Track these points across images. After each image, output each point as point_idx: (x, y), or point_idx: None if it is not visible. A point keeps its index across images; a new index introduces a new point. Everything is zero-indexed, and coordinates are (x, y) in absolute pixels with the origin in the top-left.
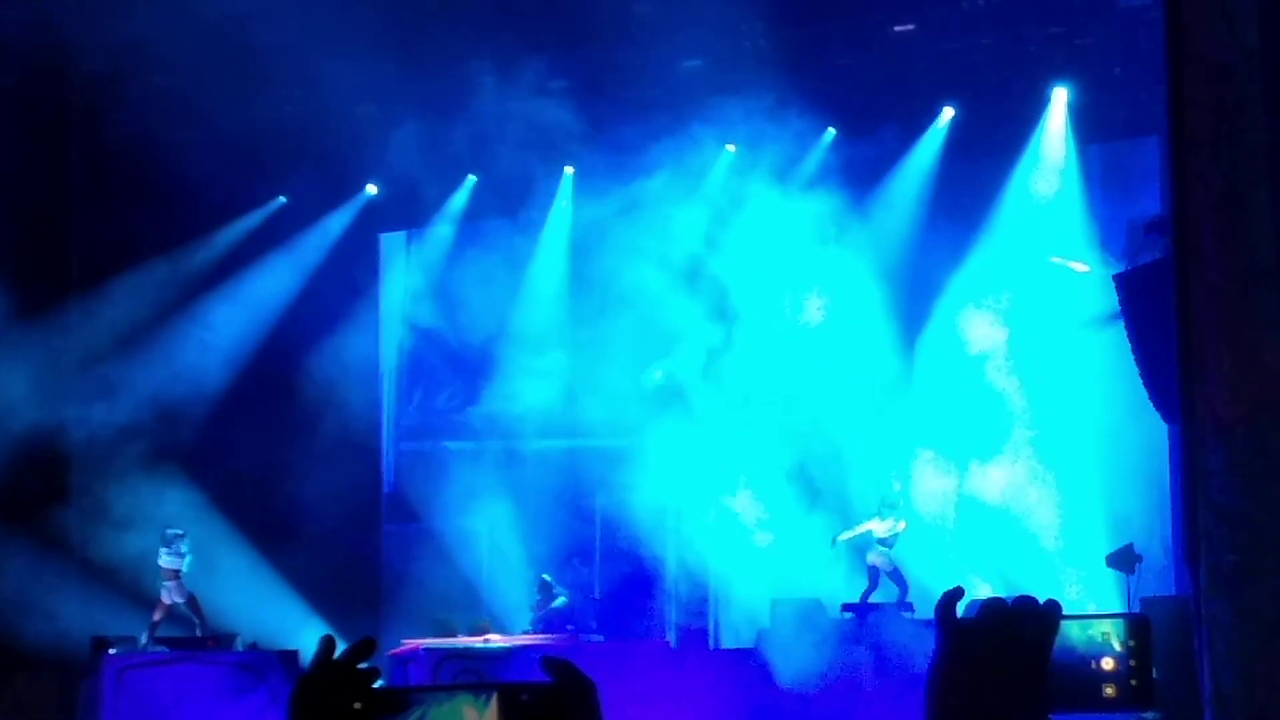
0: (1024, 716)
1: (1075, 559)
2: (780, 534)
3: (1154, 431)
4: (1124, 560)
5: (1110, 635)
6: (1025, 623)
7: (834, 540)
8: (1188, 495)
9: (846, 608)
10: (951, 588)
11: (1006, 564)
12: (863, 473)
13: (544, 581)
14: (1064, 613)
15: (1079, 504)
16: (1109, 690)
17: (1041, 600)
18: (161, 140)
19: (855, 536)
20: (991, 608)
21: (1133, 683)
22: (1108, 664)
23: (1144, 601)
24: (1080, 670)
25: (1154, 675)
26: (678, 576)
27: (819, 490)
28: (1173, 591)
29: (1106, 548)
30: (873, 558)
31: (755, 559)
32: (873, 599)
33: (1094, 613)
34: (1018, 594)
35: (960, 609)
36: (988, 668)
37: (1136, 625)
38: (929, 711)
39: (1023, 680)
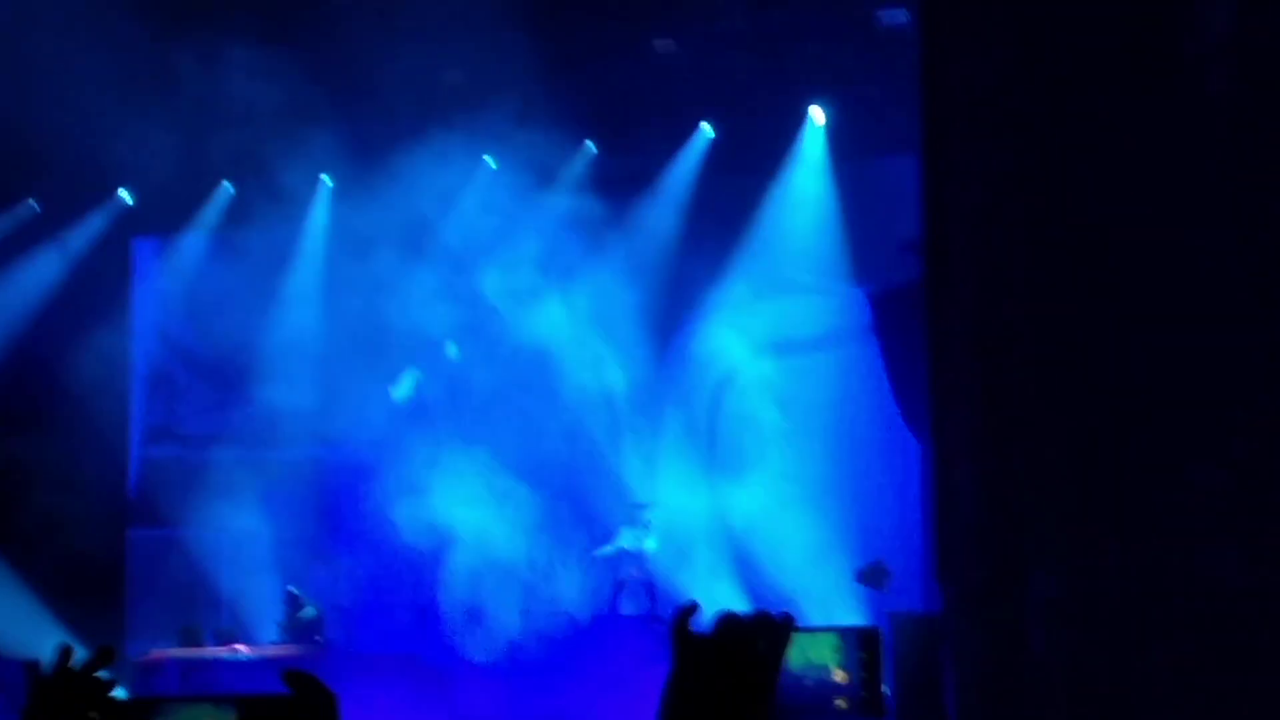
0: None
1: (826, 575)
2: (532, 548)
3: (906, 449)
4: (874, 576)
5: (842, 648)
6: (758, 636)
7: (595, 556)
8: (937, 512)
9: (596, 618)
10: (686, 603)
11: (757, 580)
12: (613, 487)
13: (290, 594)
14: (797, 625)
15: (831, 520)
16: (840, 702)
17: (776, 613)
18: None
19: (610, 550)
20: (725, 621)
21: (863, 695)
22: (839, 676)
23: (892, 617)
24: (813, 683)
25: (884, 687)
26: (429, 590)
27: (572, 505)
28: (921, 608)
29: (857, 563)
30: (623, 571)
31: (507, 573)
32: (623, 611)
33: (826, 625)
34: (754, 608)
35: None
36: (720, 681)
37: (867, 637)
38: None
39: (755, 693)
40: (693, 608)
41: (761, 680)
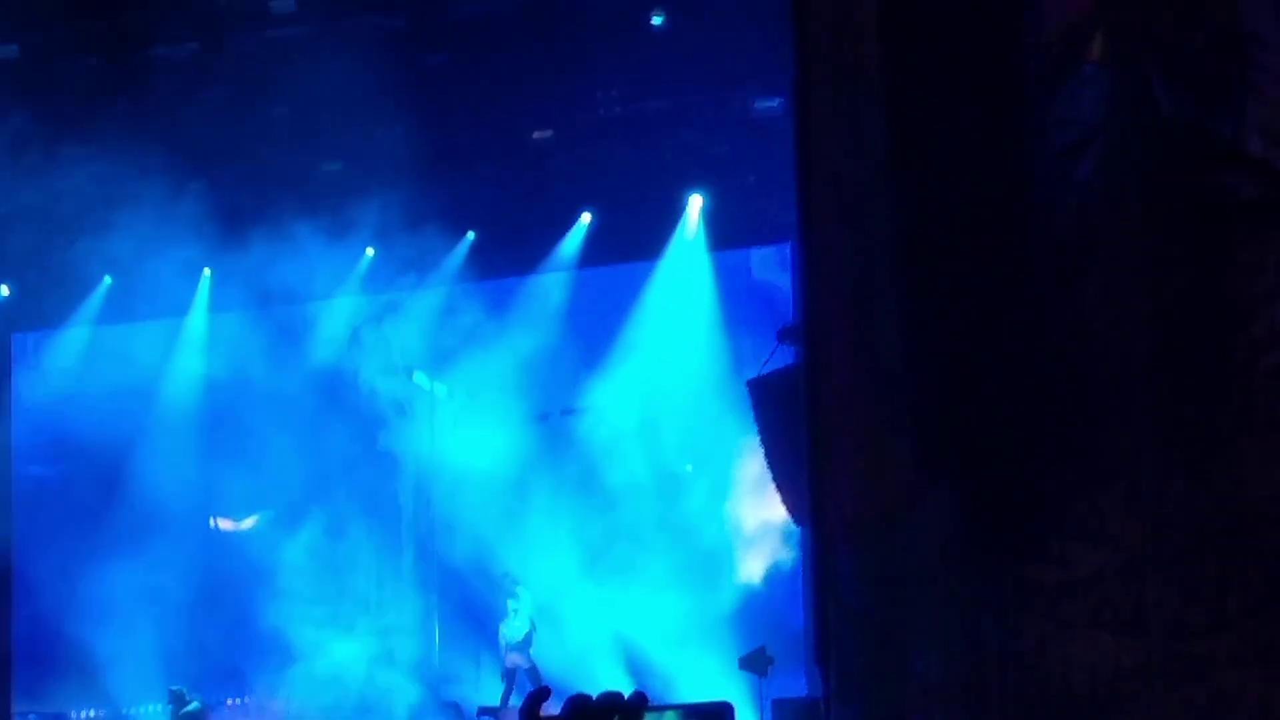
0: None
1: (709, 659)
2: (418, 633)
3: (789, 534)
4: (756, 663)
5: None
6: (609, 717)
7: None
8: (818, 597)
9: (483, 711)
10: (537, 688)
11: (641, 665)
12: (491, 574)
13: (174, 692)
14: (649, 704)
15: (715, 606)
16: None
17: (627, 695)
18: None
19: (502, 639)
20: (575, 704)
21: None
22: None
23: (775, 703)
24: None
25: None
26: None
27: (465, 594)
28: (805, 694)
29: (741, 650)
30: (509, 659)
31: (394, 667)
32: (512, 701)
33: (674, 704)
34: (605, 691)
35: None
36: None
37: (718, 714)
38: None
39: None
40: (544, 692)
41: None
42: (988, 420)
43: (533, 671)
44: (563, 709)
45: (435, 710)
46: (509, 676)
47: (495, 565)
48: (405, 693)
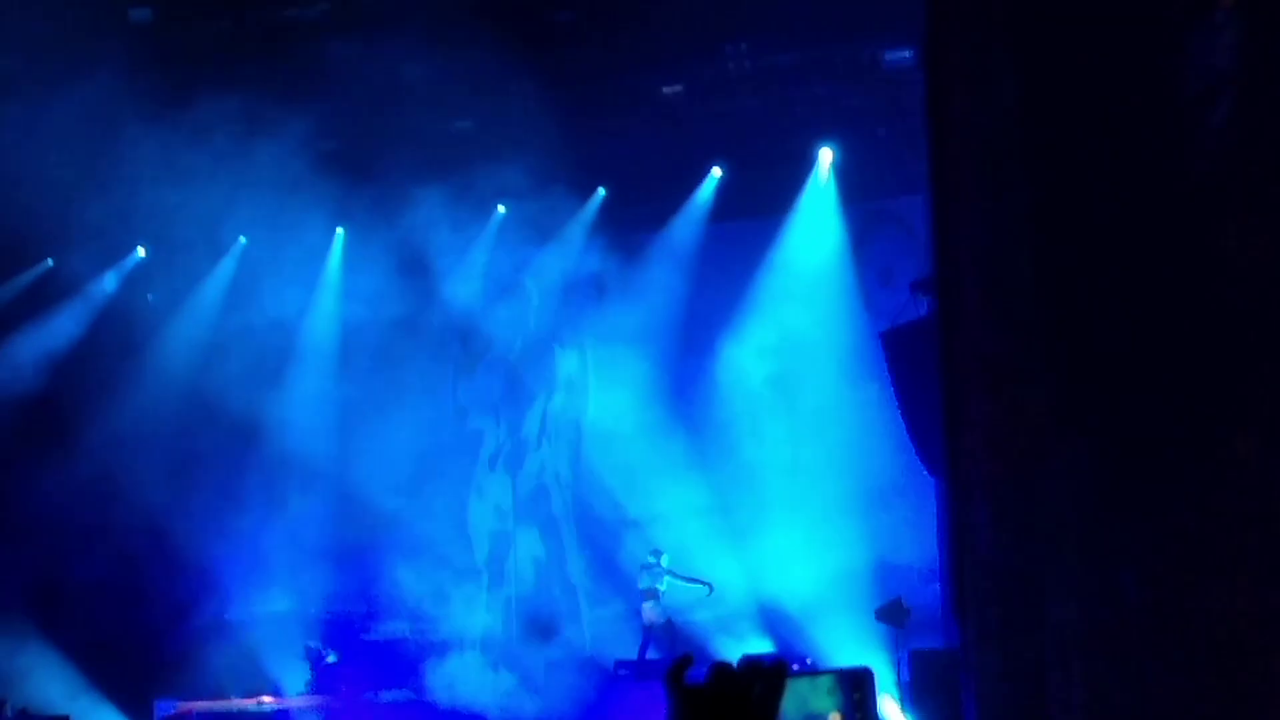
0: None
1: (846, 613)
2: (556, 597)
3: (923, 487)
4: (893, 614)
5: (835, 689)
6: (752, 683)
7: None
8: (954, 549)
9: (620, 664)
10: (680, 655)
11: (777, 621)
12: (631, 535)
13: (310, 648)
14: (790, 671)
15: (850, 558)
16: None
17: (768, 660)
18: None
19: (642, 587)
20: (718, 671)
21: None
22: (834, 718)
23: (913, 655)
24: None
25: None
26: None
27: (594, 552)
28: (942, 645)
29: (877, 602)
30: (646, 615)
31: (531, 622)
32: (649, 656)
33: (818, 669)
34: (746, 655)
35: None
36: None
37: (859, 678)
38: None
39: None
40: (686, 659)
41: None
42: (1123, 368)
43: (668, 627)
44: (706, 676)
45: (574, 665)
46: (645, 632)
47: (634, 523)
48: (544, 648)
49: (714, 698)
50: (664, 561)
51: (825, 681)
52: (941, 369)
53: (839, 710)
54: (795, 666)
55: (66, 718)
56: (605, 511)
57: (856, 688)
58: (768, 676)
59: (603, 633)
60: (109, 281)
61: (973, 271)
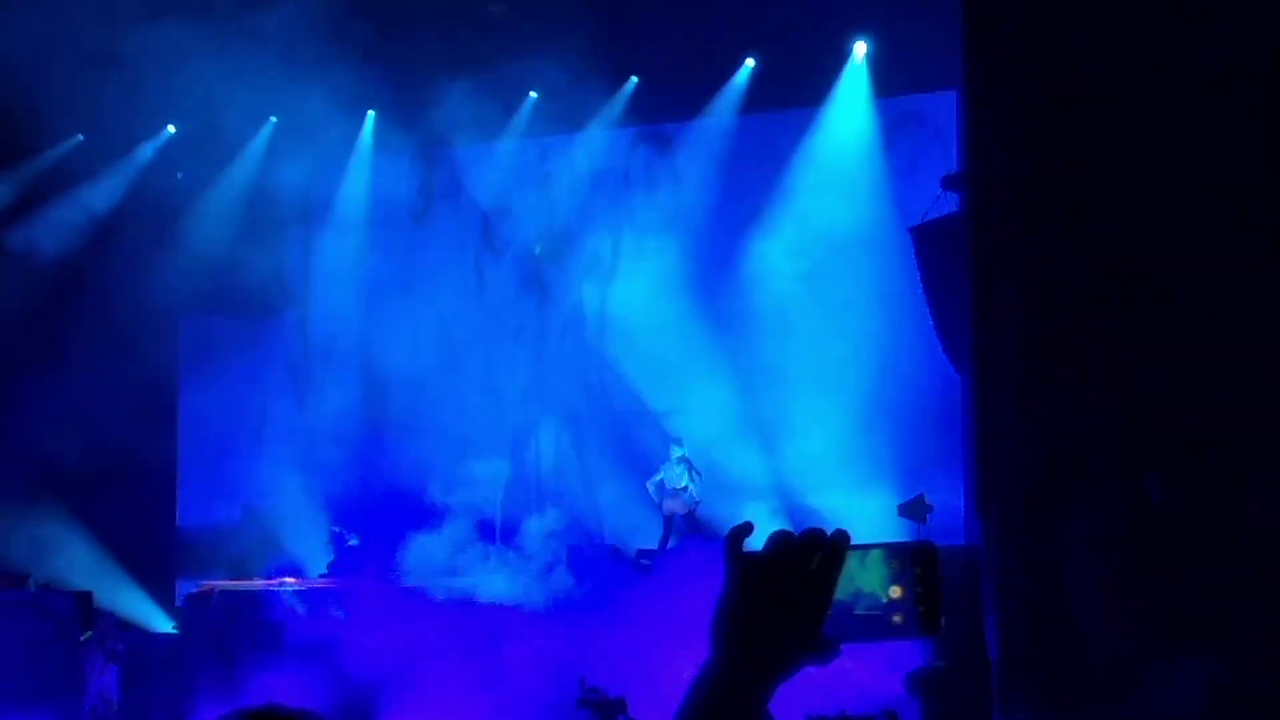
0: (807, 646)
1: (868, 508)
2: (579, 481)
3: (947, 383)
4: (915, 510)
5: (898, 564)
6: (811, 553)
7: (647, 487)
8: (978, 446)
9: (642, 554)
10: (740, 522)
11: (801, 515)
12: (653, 426)
13: (335, 532)
14: (851, 543)
15: (873, 454)
16: (897, 618)
17: (829, 531)
18: None
19: (654, 482)
20: (778, 540)
21: (920, 610)
22: (896, 592)
23: None
24: (868, 599)
25: (942, 602)
26: (470, 525)
27: (618, 438)
28: (963, 541)
29: (899, 498)
30: (667, 505)
31: (552, 504)
32: (670, 545)
33: (880, 542)
34: (809, 527)
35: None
36: (773, 599)
37: (923, 553)
38: (714, 644)
39: (807, 610)
40: (747, 527)
41: (814, 598)
42: (1151, 267)
43: (690, 518)
44: (766, 544)
45: (594, 552)
46: (667, 523)
47: (656, 414)
48: (564, 538)
49: (772, 566)
50: (684, 451)
51: (885, 555)
52: (971, 265)
53: (898, 584)
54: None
55: (89, 593)
56: (626, 402)
57: (918, 562)
58: (828, 547)
59: (622, 522)
60: (139, 157)
61: (1004, 167)
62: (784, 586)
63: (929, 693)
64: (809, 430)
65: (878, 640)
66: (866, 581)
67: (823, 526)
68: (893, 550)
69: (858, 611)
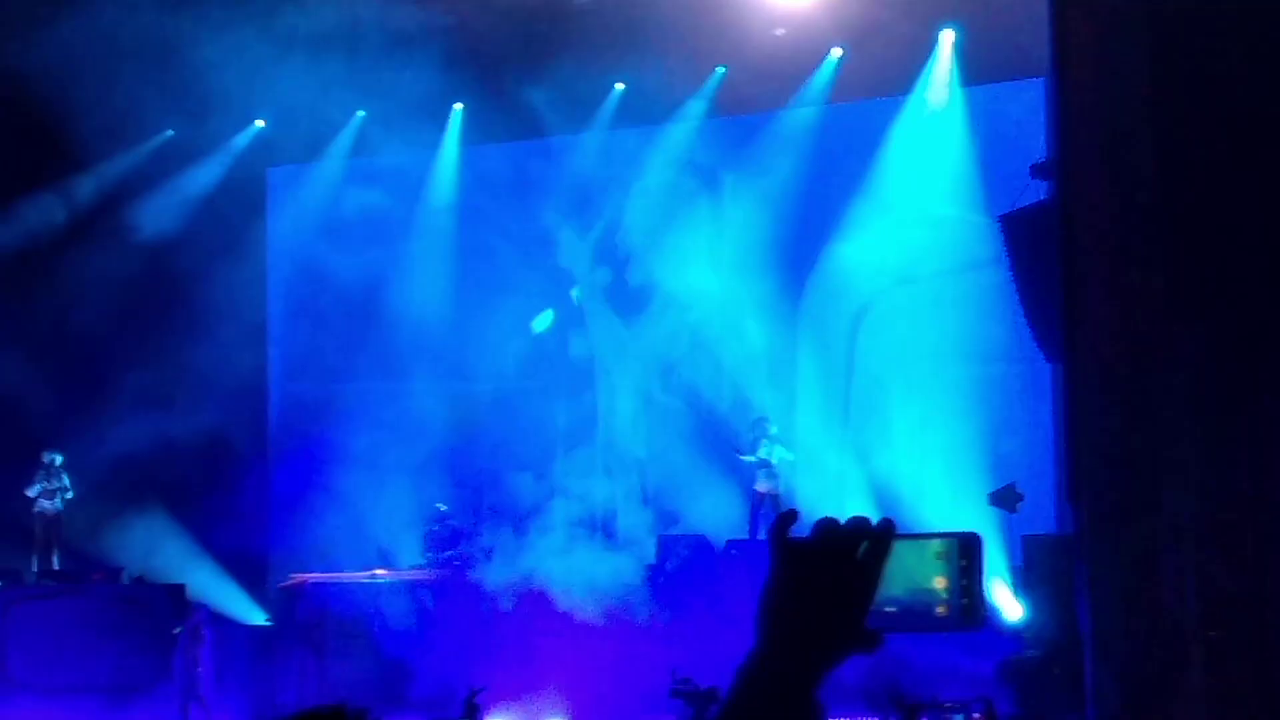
0: (852, 635)
1: (959, 498)
2: (667, 469)
3: (1038, 371)
4: (1006, 499)
5: (942, 555)
6: (857, 542)
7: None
8: (1070, 436)
9: (731, 544)
10: (784, 511)
11: (891, 502)
12: (746, 409)
13: (428, 525)
14: (897, 532)
15: (964, 443)
16: (940, 609)
17: (875, 520)
18: (42, 70)
19: (749, 460)
20: (824, 528)
21: (964, 601)
22: (940, 583)
23: (1025, 540)
24: (914, 589)
25: (985, 594)
26: (563, 516)
27: (705, 426)
28: (1055, 530)
29: (989, 487)
30: (762, 485)
31: (642, 494)
32: (760, 534)
33: (925, 532)
34: (853, 516)
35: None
36: (819, 587)
37: (967, 544)
38: (760, 632)
39: (853, 598)
40: (792, 515)
41: (860, 586)
42: (1242, 256)
43: (777, 500)
44: (811, 532)
45: (686, 544)
46: (755, 508)
47: (745, 402)
48: (656, 528)
49: (818, 554)
50: (775, 429)
51: (931, 545)
52: (1061, 254)
53: (943, 574)
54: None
55: (182, 586)
56: (715, 393)
57: (964, 554)
58: (874, 537)
59: (712, 513)
60: (228, 152)
61: (1094, 157)
62: (829, 575)
63: (1022, 680)
64: (898, 419)
65: (921, 631)
66: (911, 571)
67: (891, 516)
68: (938, 541)
69: (902, 601)
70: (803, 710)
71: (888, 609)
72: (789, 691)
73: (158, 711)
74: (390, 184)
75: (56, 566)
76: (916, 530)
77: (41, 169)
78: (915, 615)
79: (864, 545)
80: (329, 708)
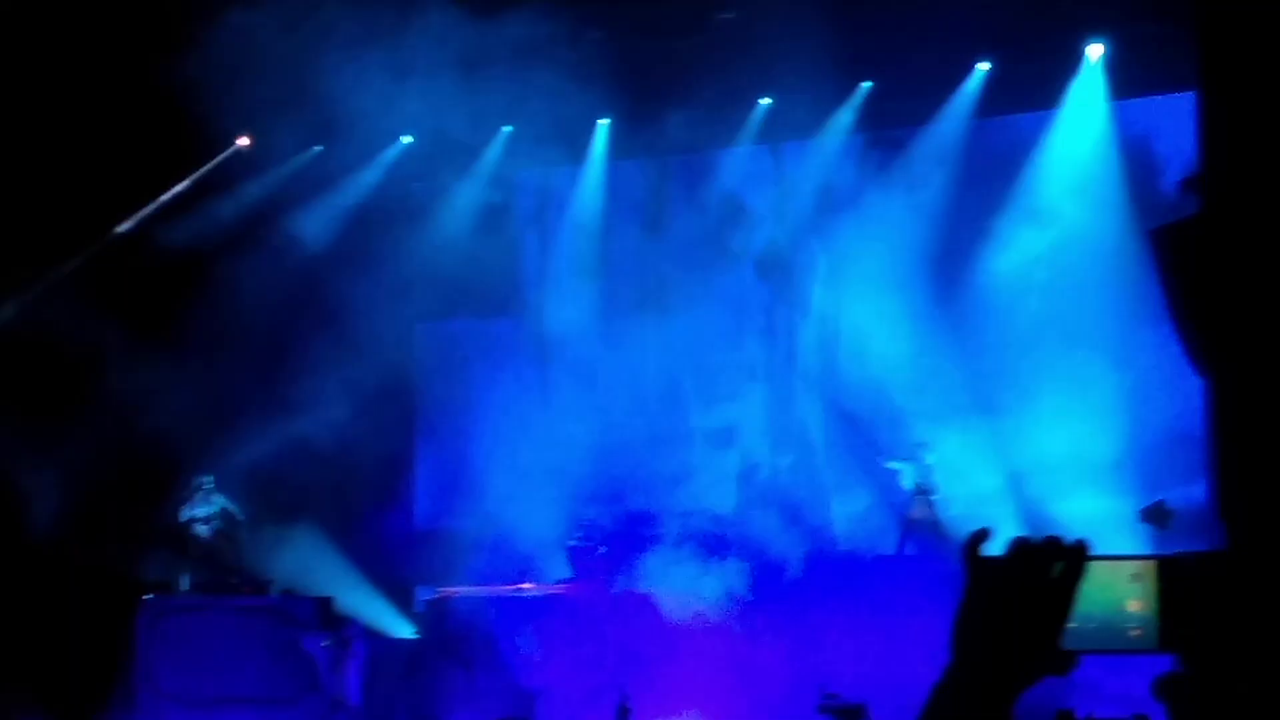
0: (1046, 655)
1: (1109, 514)
2: (811, 480)
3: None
4: (1156, 515)
5: (1139, 576)
6: (1051, 561)
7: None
8: (1222, 451)
9: (877, 559)
10: (978, 528)
11: (1041, 519)
12: (894, 424)
13: (584, 522)
14: (1092, 553)
15: (1115, 460)
16: (1135, 632)
17: (1070, 539)
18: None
19: (897, 466)
20: (1018, 546)
21: (1160, 624)
22: (1135, 605)
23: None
24: (1107, 611)
25: (1184, 619)
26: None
27: (853, 444)
28: (1206, 548)
29: (1140, 503)
30: (916, 511)
31: (787, 506)
32: (908, 551)
33: (1122, 554)
34: (1049, 535)
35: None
36: (1013, 606)
37: (1168, 568)
38: (954, 651)
39: (1047, 618)
40: (984, 533)
41: (1055, 605)
42: None
43: (935, 526)
44: (1005, 551)
45: (828, 559)
46: (906, 528)
47: (892, 419)
48: (800, 545)
49: (1011, 573)
50: (934, 457)
51: (1127, 567)
52: (1213, 269)
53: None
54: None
55: (330, 598)
56: (861, 408)
57: (1161, 576)
58: (1069, 555)
59: (857, 529)
60: (376, 167)
61: (1245, 171)
62: (1023, 595)
63: (1177, 699)
64: (1048, 434)
65: (1114, 653)
66: (1106, 592)
67: (1061, 534)
68: (1135, 562)
69: (1095, 621)
70: None
71: (1081, 629)
72: (983, 710)
73: None
74: (536, 200)
75: (206, 580)
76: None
77: (192, 185)
78: (1108, 637)
79: (1058, 565)
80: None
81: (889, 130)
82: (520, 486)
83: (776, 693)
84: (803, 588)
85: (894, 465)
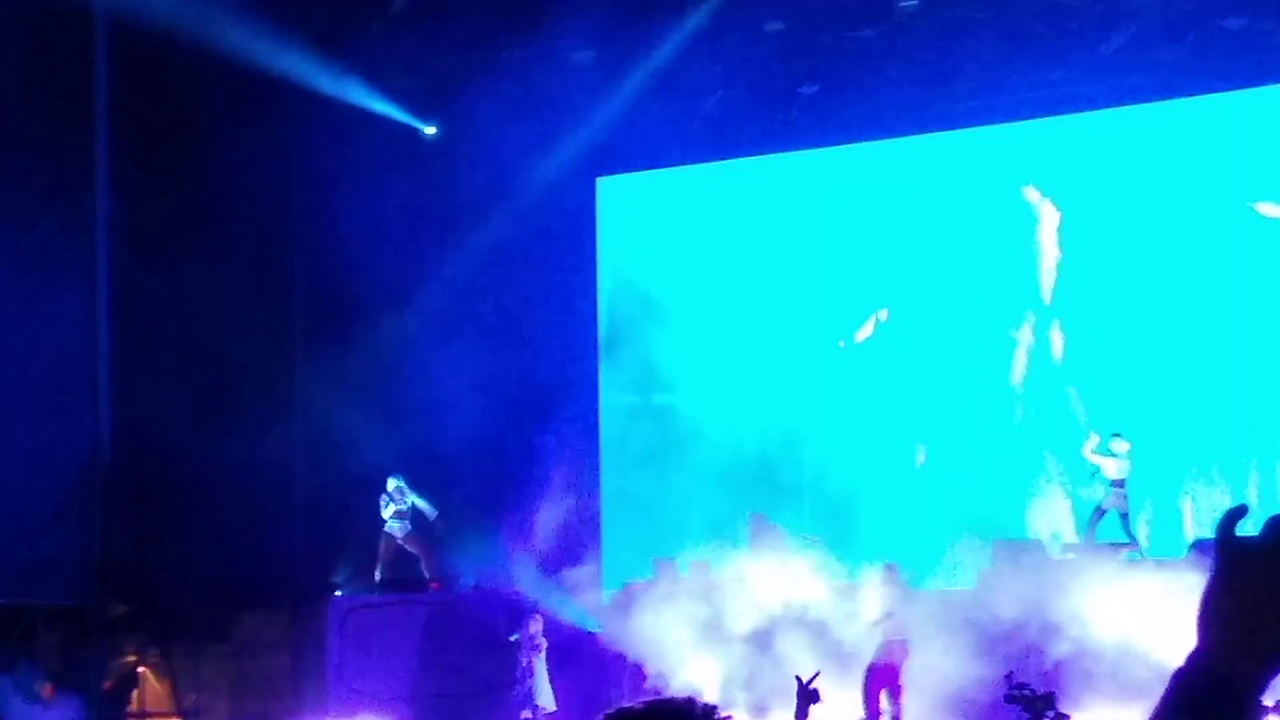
0: None
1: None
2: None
3: None
4: None
5: None
6: None
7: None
8: None
9: (1068, 547)
10: (1233, 507)
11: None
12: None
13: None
14: None
15: None
16: None
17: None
18: None
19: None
20: (1275, 527)
21: None
22: None
23: None
24: None
25: None
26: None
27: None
28: None
29: None
30: (1106, 500)
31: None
32: (1098, 539)
33: None
34: None
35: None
36: (1267, 588)
37: None
38: (1201, 633)
39: None
40: (1240, 510)
41: None
42: None
43: (1124, 516)
44: (1263, 530)
45: (1011, 548)
46: (1098, 513)
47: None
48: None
49: (1268, 552)
50: (1129, 447)
51: None
52: None
53: None
54: None
55: (518, 593)
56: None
57: None
58: None
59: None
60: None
61: None
62: (1276, 576)
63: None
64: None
65: None
66: None
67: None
68: None
69: None
70: (1243, 717)
71: None
72: (1234, 695)
73: (495, 718)
74: (718, 192)
75: (397, 577)
76: None
77: None
78: None
79: None
80: (678, 700)
81: (1076, 115)
82: (701, 484)
83: (960, 682)
84: (990, 578)
85: (1097, 455)
